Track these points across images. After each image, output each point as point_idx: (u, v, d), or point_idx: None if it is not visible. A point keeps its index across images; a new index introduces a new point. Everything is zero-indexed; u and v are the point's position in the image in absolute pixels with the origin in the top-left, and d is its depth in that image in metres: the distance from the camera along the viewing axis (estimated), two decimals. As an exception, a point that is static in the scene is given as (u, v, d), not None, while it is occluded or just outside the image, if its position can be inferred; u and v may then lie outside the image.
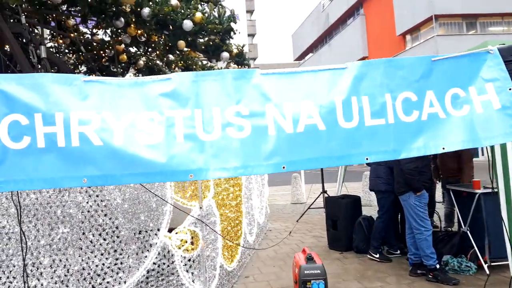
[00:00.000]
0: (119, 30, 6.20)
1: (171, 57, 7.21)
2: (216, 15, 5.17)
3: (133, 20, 5.49)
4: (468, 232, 4.31)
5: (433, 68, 2.29)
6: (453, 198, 4.72)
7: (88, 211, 2.88)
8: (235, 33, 5.47)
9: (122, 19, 5.32)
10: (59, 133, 1.89)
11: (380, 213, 5.01)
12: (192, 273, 3.17)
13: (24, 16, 4.61)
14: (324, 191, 7.63)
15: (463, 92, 2.27)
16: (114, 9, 5.00)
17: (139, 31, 5.87)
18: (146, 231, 3.05)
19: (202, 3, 5.90)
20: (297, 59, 51.70)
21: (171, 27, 5.22)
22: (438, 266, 4.05)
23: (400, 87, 2.23)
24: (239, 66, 6.40)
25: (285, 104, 2.10)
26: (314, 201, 8.30)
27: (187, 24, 4.87)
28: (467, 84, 2.29)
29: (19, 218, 2.22)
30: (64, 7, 5.33)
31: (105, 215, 2.92)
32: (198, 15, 4.94)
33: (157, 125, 1.96)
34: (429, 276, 4.09)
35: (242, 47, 6.22)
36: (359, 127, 2.12)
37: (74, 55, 8.09)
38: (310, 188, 9.94)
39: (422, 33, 26.42)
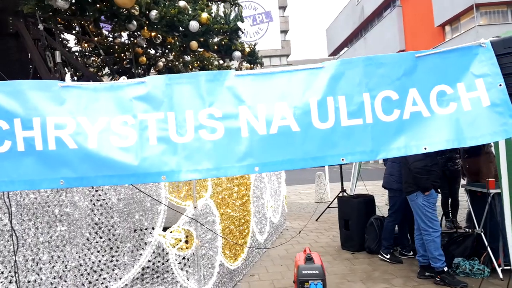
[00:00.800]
0: (135, 33, 6.41)
1: (187, 58, 7.35)
2: (222, 15, 5.19)
3: (146, 22, 5.65)
4: (482, 233, 4.09)
5: (417, 65, 2.20)
6: (468, 198, 4.51)
7: (85, 210, 3.01)
8: (242, 32, 5.49)
9: (135, 22, 5.49)
10: (37, 137, 2.00)
11: (390, 211, 4.90)
12: (187, 271, 3.24)
13: (41, 23, 4.87)
14: (343, 190, 7.49)
15: (450, 89, 2.17)
16: (125, 12, 5.16)
17: (152, 33, 6.04)
18: (141, 230, 3.15)
19: (213, 2, 5.96)
20: (332, 54, 50.86)
21: (180, 28, 5.33)
22: (446, 268, 3.90)
23: (380, 85, 2.16)
24: (252, 65, 6.41)
25: (258, 106, 2.10)
26: (333, 201, 8.17)
27: (194, 25, 4.94)
28: (455, 80, 2.18)
29: (10, 216, 2.37)
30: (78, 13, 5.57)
31: (101, 214, 3.05)
32: (204, 15, 4.99)
33: (131, 128, 2.03)
34: (437, 278, 3.95)
35: (254, 45, 6.20)
36: (335, 127, 2.09)
37: (99, 59, 8.43)
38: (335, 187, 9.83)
39: (462, 23, 25.14)
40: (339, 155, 2.08)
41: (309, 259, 3.48)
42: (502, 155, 3.53)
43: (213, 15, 5.31)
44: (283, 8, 55.96)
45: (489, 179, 4.13)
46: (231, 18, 5.26)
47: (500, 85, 2.10)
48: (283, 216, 7.09)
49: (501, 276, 3.82)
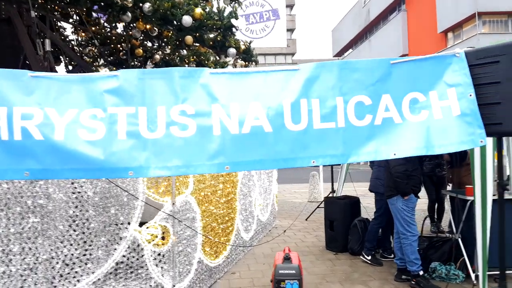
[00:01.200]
0: (130, 25, 6.36)
1: (183, 52, 7.29)
2: (216, 11, 5.15)
3: (141, 15, 5.60)
4: (459, 239, 4.10)
5: (392, 71, 2.19)
6: (449, 204, 4.52)
7: (59, 203, 2.97)
8: (237, 30, 5.44)
9: (129, 14, 5.44)
10: (3, 126, 1.96)
11: (376, 214, 4.91)
12: (162, 267, 3.20)
13: (34, 10, 4.83)
14: (333, 191, 7.46)
15: (423, 97, 2.15)
16: (119, 3, 5.12)
17: (147, 26, 5.99)
18: (116, 224, 3.11)
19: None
20: (337, 55, 50.75)
21: (174, 22, 5.29)
22: (422, 272, 3.94)
23: (353, 90, 2.14)
24: (246, 62, 6.36)
25: (232, 105, 2.07)
26: (323, 201, 8.13)
27: (186, 20, 4.89)
28: (428, 88, 2.17)
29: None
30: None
31: (76, 207, 3.01)
32: (198, 10, 4.95)
33: (100, 122, 1.99)
34: (412, 282, 3.97)
35: (250, 43, 6.15)
36: (307, 130, 2.07)
37: (96, 49, 8.38)
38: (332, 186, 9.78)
39: (464, 30, 25.07)
40: (310, 157, 2.07)
41: (287, 259, 3.50)
42: (476, 164, 3.55)
43: (207, 10, 5.26)
44: (290, 6, 55.75)
45: (468, 186, 4.13)
46: (225, 14, 5.21)
47: (471, 95, 2.09)
48: (272, 215, 7.05)
49: (474, 281, 3.83)
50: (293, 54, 53.82)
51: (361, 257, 4.90)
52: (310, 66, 2.15)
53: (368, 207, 6.88)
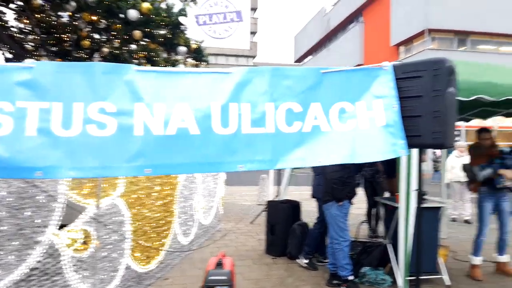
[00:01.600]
0: (75, 15, 6.05)
1: (132, 46, 7.06)
2: (165, 7, 5.01)
3: (86, 5, 5.35)
4: (389, 245, 4.25)
5: (323, 80, 2.22)
6: (381, 211, 4.69)
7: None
8: (185, 28, 5.33)
9: (73, 3, 5.17)
10: None
11: (318, 219, 4.98)
12: (82, 274, 3.03)
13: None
14: (278, 195, 7.49)
15: (351, 107, 2.20)
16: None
17: (93, 17, 5.73)
18: (33, 228, 2.90)
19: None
20: (297, 61, 51.59)
21: (120, 15, 5.10)
22: (352, 277, 4.03)
23: (284, 96, 2.15)
24: (197, 62, 6.26)
25: (157, 105, 1.98)
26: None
27: (132, 14, 4.74)
28: (356, 99, 2.22)
29: None
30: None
31: (-14, 206, 2.77)
32: (145, 5, 4.80)
33: (7, 116, 1.82)
34: (342, 287, 4.05)
35: (201, 43, 6.06)
36: (236, 134, 2.03)
37: (39, 37, 7.90)
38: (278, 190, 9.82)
39: (415, 45, 26.39)
40: (238, 162, 2.03)
41: (219, 264, 3.46)
42: (402, 173, 3.69)
43: (155, 6, 5.11)
44: (253, 9, 55.97)
45: (397, 193, 4.29)
46: (174, 11, 5.08)
47: (395, 107, 2.17)
48: (216, 218, 6.97)
49: (398, 285, 3.97)
50: (254, 57, 54.02)
51: (297, 260, 4.94)
52: (242, 71, 2.13)
53: (312, 211, 6.97)
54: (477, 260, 4.56)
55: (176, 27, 5.18)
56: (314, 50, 46.25)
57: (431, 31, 24.57)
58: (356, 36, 34.02)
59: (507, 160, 4.40)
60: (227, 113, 2.04)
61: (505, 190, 4.47)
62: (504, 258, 4.67)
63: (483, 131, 4.68)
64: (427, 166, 18.93)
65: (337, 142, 2.11)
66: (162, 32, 6.01)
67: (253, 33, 55.50)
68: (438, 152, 10.20)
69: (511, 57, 24.56)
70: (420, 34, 25.24)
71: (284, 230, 5.32)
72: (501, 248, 4.66)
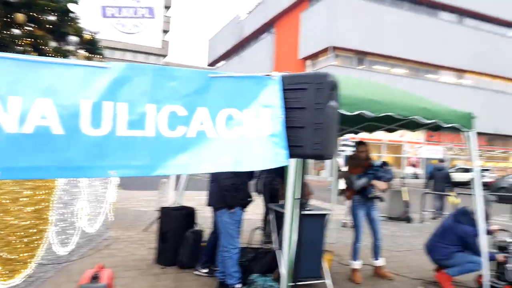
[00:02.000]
0: None
1: (16, 31, 6.23)
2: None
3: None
4: (278, 251, 4.33)
5: (211, 85, 2.11)
6: (271, 217, 4.79)
7: None
8: (76, 16, 4.86)
9: None
10: None
11: (214, 227, 4.83)
12: None
13: None
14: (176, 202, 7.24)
15: (239, 114, 2.14)
16: None
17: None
18: None
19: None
20: (210, 64, 51.56)
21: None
22: (239, 285, 4.02)
23: (168, 99, 1.98)
24: (90, 54, 5.75)
25: (13, 98, 1.65)
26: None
27: (9, -7, 4.13)
28: (244, 106, 2.16)
29: None
30: None
31: None
32: (26, -14, 4.23)
33: None
34: None
35: (95, 34, 5.58)
36: (109, 136, 1.79)
37: None
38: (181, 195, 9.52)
39: (320, 60, 28.29)
40: (110, 167, 1.80)
41: (95, 277, 3.17)
42: (290, 181, 3.77)
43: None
44: (167, 7, 54.56)
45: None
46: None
47: (280, 117, 2.18)
48: (105, 225, 6.45)
49: None
50: (164, 56, 52.71)
51: (195, 272, 4.77)
52: (121, 66, 1.91)
53: (211, 218, 6.85)
54: (357, 265, 4.90)
55: (65, 14, 4.67)
56: (227, 55, 46.75)
57: (335, 48, 26.57)
58: (268, 47, 35.26)
59: (378, 172, 4.84)
60: (99, 112, 1.81)
61: (375, 199, 4.91)
62: (379, 262, 5.10)
63: (360, 144, 5.07)
64: (326, 173, 20.22)
65: (223, 149, 2.05)
66: (51, 18, 5.39)
67: (165, 31, 54.09)
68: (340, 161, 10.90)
69: (401, 78, 27.83)
70: (325, 51, 27.15)
71: (177, 238, 5.10)
72: (375, 253, 5.08)
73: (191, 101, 2.04)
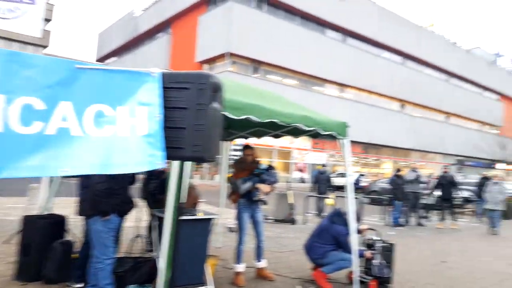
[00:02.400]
0: None
1: None
2: None
3: None
4: (158, 259, 4.12)
5: (78, 77, 1.85)
6: (155, 223, 4.59)
7: None
8: None
9: None
10: None
11: (86, 239, 4.36)
12: None
13: None
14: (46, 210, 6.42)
15: (111, 111, 1.91)
16: None
17: None
18: None
19: None
20: (100, 60, 48.06)
21: None
22: None
23: (23, 89, 1.69)
24: None
25: None
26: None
27: None
28: (118, 103, 1.94)
29: None
30: None
31: None
32: None
33: None
34: None
35: None
36: None
37: None
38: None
39: (217, 65, 28.57)
40: None
41: None
42: (172, 185, 3.64)
43: None
44: (50, -6, 49.30)
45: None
46: None
47: (158, 116, 2.03)
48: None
49: None
50: (45, 47, 47.48)
51: (67, 286, 4.29)
52: None
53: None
54: (240, 268, 4.93)
55: None
56: (119, 52, 44.24)
57: (232, 55, 27.09)
58: (164, 46, 34.36)
59: (263, 175, 4.97)
60: None
61: (259, 202, 5.04)
62: (261, 264, 5.22)
63: (246, 147, 5.16)
64: (221, 177, 20.29)
65: (89, 149, 1.84)
66: None
67: (47, 20, 48.77)
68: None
69: (292, 89, 29.58)
70: (222, 56, 27.50)
71: (40, 250, 4.49)
72: (258, 255, 5.19)
73: (52, 93, 1.80)
